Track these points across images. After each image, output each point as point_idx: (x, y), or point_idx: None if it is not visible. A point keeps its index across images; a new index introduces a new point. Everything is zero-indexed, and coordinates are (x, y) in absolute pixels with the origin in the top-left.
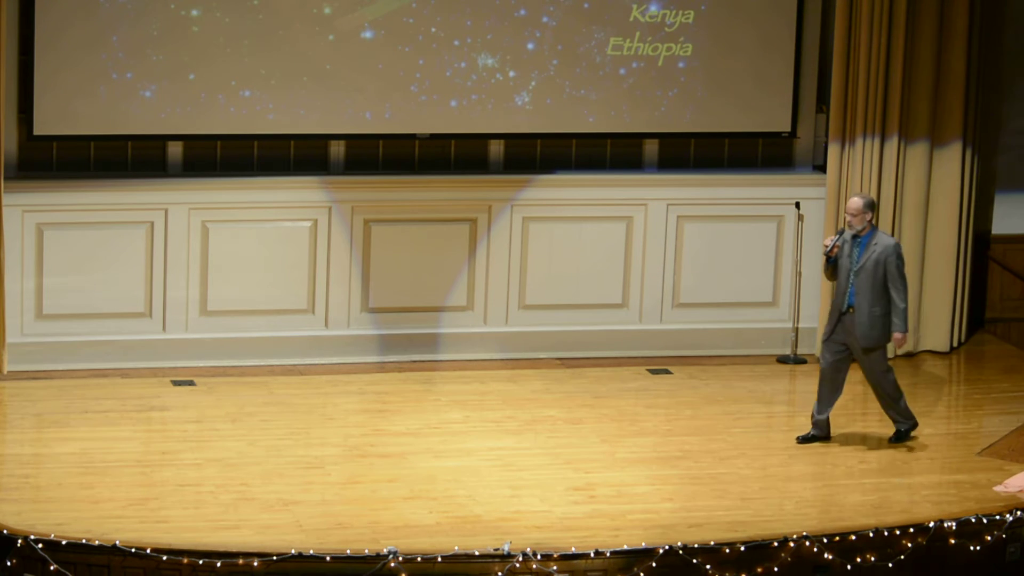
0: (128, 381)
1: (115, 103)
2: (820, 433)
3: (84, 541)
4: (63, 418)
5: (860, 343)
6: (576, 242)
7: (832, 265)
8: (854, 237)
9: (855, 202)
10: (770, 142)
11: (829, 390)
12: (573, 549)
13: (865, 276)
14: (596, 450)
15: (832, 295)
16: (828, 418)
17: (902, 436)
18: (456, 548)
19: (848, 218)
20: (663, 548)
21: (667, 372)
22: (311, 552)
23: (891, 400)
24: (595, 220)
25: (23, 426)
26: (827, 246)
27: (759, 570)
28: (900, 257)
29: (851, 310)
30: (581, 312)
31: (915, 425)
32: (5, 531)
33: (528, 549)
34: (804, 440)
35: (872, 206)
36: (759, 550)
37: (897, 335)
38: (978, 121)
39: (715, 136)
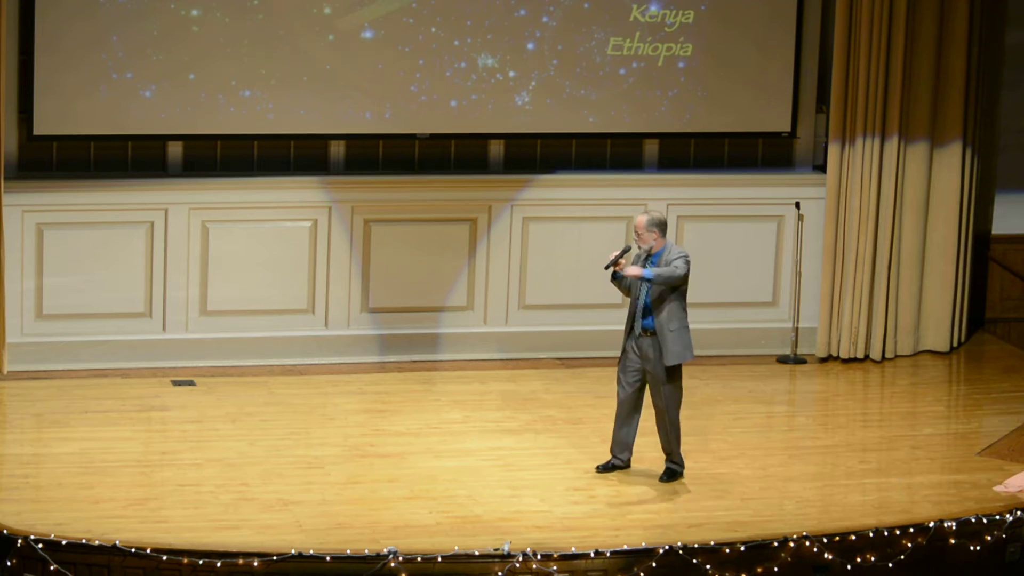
0: (128, 381)
1: (115, 103)
2: (622, 462)
3: (84, 541)
4: (63, 418)
5: (664, 361)
6: (576, 242)
7: (619, 280)
8: (648, 256)
9: (639, 220)
10: (770, 142)
11: (628, 416)
12: (573, 549)
13: (658, 296)
14: (596, 450)
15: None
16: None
17: (672, 474)
18: (456, 548)
19: (634, 236)
20: (663, 548)
21: None
22: (311, 552)
23: (675, 431)
24: (595, 220)
25: (23, 426)
26: (610, 260)
27: (759, 570)
28: (687, 262)
29: (646, 333)
30: (581, 312)
31: (683, 468)
32: (5, 531)
33: (528, 549)
34: (604, 469)
35: (659, 224)
36: (759, 550)
37: (631, 270)
38: (978, 121)
39: (715, 136)
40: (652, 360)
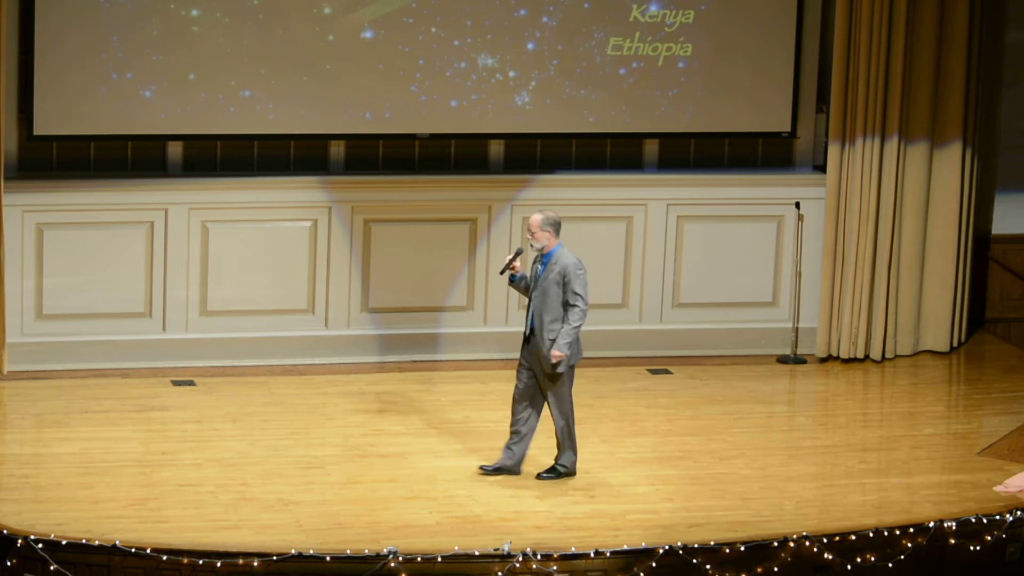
0: (128, 381)
1: (115, 103)
2: (511, 463)
3: (84, 541)
4: (63, 418)
5: (543, 367)
6: (576, 242)
7: (517, 282)
8: (540, 256)
9: (534, 218)
10: (770, 142)
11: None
12: (573, 549)
13: (541, 296)
14: (596, 450)
15: None
16: (526, 449)
17: (557, 473)
18: (456, 548)
19: (527, 235)
20: (663, 548)
21: (667, 372)
22: (311, 552)
23: (567, 432)
24: (595, 220)
25: (23, 426)
26: (505, 264)
27: (759, 570)
28: (579, 277)
29: (533, 334)
30: None
31: (572, 472)
32: (5, 531)
33: (528, 549)
34: (489, 471)
35: (553, 223)
36: (759, 550)
37: (555, 352)
38: (978, 121)
39: (715, 136)
40: (535, 361)
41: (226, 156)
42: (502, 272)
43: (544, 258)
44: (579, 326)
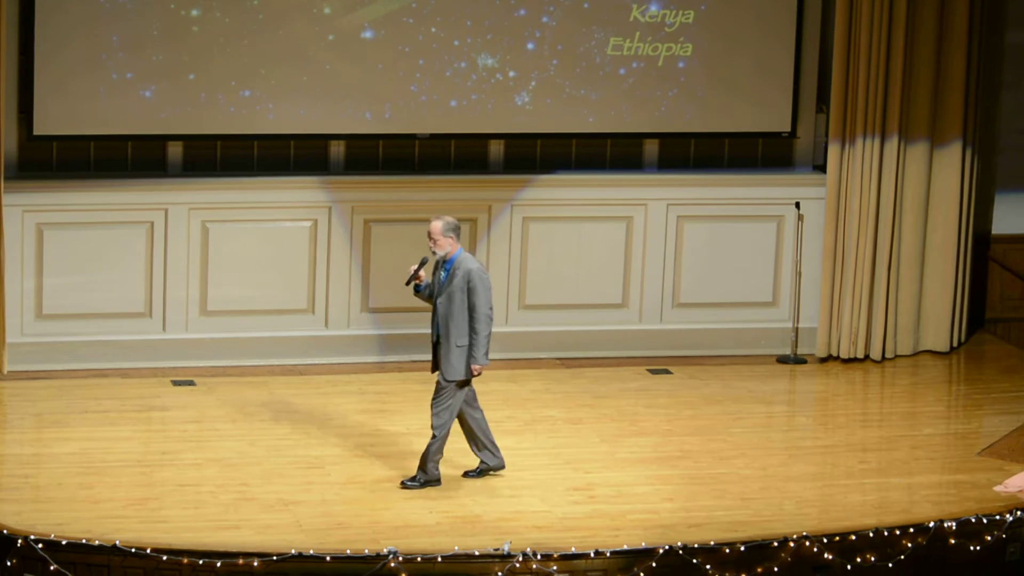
0: (128, 381)
1: (115, 103)
2: (492, 464)
3: (84, 541)
4: (63, 418)
5: (444, 375)
6: (576, 242)
7: (422, 292)
8: (442, 262)
9: (434, 225)
10: (770, 142)
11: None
12: (573, 549)
13: (446, 303)
14: (596, 450)
15: None
16: (493, 444)
17: (422, 483)
18: (456, 548)
19: (429, 242)
20: (663, 548)
21: (667, 372)
22: (311, 552)
23: (435, 443)
24: (595, 220)
25: (23, 426)
26: (409, 274)
27: (759, 570)
28: (483, 281)
29: (439, 340)
30: (581, 312)
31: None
32: (5, 531)
33: (528, 549)
34: (472, 475)
35: (454, 228)
36: (759, 550)
37: (475, 367)
38: (978, 121)
39: (715, 136)
40: (440, 368)
41: (226, 156)
42: (408, 283)
43: (447, 264)
44: (489, 333)
